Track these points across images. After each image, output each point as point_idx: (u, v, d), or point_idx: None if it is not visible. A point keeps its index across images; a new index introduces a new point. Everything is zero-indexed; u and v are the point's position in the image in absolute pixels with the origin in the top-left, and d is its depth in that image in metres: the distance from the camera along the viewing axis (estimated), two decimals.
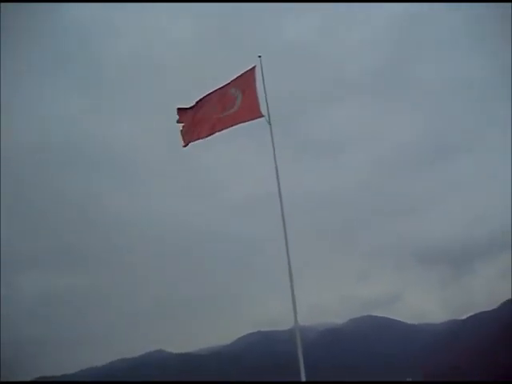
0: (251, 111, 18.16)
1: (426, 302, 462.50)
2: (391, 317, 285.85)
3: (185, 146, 18.81)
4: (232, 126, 18.36)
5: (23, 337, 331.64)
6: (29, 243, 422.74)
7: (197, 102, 19.22)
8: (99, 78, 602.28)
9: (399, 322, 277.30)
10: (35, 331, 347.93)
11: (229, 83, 19.23)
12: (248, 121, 18.17)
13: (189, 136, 18.77)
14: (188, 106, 19.20)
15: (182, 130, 18.96)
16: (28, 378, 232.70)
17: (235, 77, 19.31)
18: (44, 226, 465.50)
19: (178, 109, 19.17)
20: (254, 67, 19.19)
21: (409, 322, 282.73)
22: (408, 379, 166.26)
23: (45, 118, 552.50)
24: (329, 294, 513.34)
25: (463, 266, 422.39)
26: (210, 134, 18.59)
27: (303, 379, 14.59)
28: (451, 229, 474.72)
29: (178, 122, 19.04)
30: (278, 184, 17.06)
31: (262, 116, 18.00)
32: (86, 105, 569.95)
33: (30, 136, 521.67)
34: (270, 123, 17.91)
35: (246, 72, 19.26)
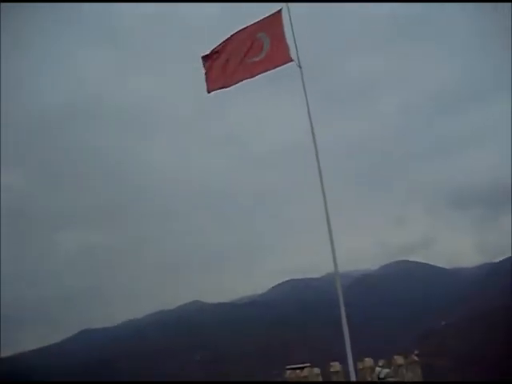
0: (280, 56, 17.40)
1: (460, 246, 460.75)
2: (425, 261, 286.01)
3: (209, 92, 18.19)
4: (262, 72, 17.62)
5: (66, 292, 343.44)
6: (64, 202, 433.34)
7: (220, 46, 18.46)
8: (123, 36, 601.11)
9: (433, 266, 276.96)
10: (75, 286, 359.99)
11: (254, 26, 18.33)
12: (278, 66, 17.42)
13: (215, 83, 18.08)
14: (211, 51, 18.44)
15: (206, 76, 18.31)
16: (74, 332, 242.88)
17: (260, 20, 18.43)
18: (76, 184, 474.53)
19: (203, 56, 18.47)
20: (280, 10, 18.25)
21: (443, 266, 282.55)
22: (443, 323, 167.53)
23: (70, 77, 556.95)
24: (362, 240, 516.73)
25: (497, 207, 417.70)
26: (239, 81, 17.93)
27: (344, 324, 14.44)
28: (485, 171, 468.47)
29: (205, 68, 18.36)
30: (312, 127, 16.45)
31: (292, 60, 17.31)
32: (110, 62, 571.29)
33: (58, 96, 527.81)
34: (300, 66, 17.24)
35: (271, 15, 18.31)
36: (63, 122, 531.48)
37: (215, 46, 18.39)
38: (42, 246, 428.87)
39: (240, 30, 18.27)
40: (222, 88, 18.07)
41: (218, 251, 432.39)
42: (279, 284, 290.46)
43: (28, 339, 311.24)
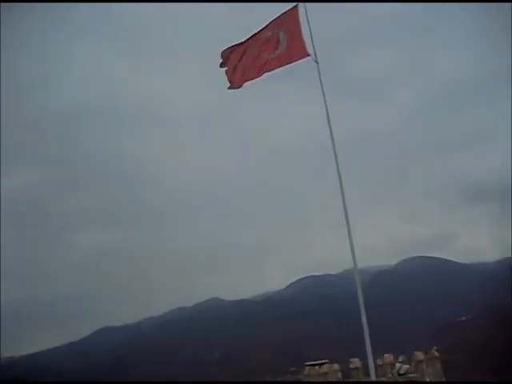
0: (297, 51, 17.52)
1: (479, 241, 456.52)
2: (444, 257, 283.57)
3: (230, 88, 18.35)
4: (280, 66, 17.79)
5: (83, 290, 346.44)
6: (79, 201, 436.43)
7: (240, 44, 18.66)
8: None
9: (452, 261, 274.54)
10: (92, 284, 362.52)
11: (271, 24, 18.54)
12: (295, 61, 17.54)
13: (236, 79, 18.31)
14: (231, 48, 18.65)
15: (227, 73, 18.52)
16: (91, 330, 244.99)
17: (277, 17, 18.59)
18: (91, 183, 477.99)
19: (222, 52, 18.67)
20: (295, 6, 18.38)
21: (461, 261, 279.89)
22: (462, 318, 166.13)
23: (83, 79, 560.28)
24: (379, 236, 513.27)
25: None
26: (258, 76, 18.08)
27: (364, 320, 14.40)
28: (502, 164, 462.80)
29: (222, 65, 18.60)
30: (329, 124, 16.46)
31: (309, 55, 17.35)
32: (123, 64, 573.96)
33: (70, 98, 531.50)
34: (317, 62, 17.25)
35: (287, 11, 18.48)
36: (75, 122, 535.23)
37: (234, 44, 18.60)
38: (57, 245, 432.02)
39: (257, 32, 18.46)
40: (244, 82, 18.29)
41: (235, 249, 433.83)
42: (297, 281, 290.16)
43: (46, 338, 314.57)
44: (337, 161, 15.88)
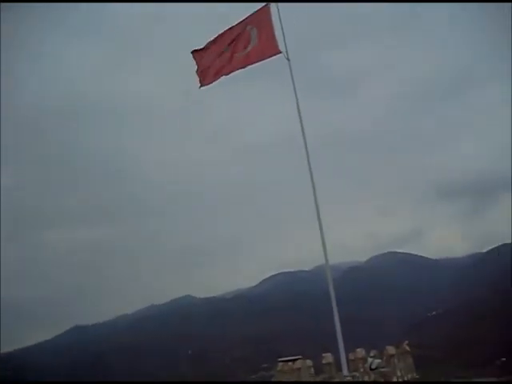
0: (269, 48, 17.54)
1: (449, 237, 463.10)
2: (414, 253, 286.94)
3: (201, 87, 18.30)
4: (251, 63, 17.78)
5: (57, 289, 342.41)
6: (53, 200, 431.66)
7: (210, 43, 18.64)
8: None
9: (422, 257, 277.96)
10: (65, 283, 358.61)
11: (243, 21, 18.54)
12: (266, 58, 17.55)
13: (206, 77, 18.24)
14: (202, 47, 18.64)
15: (197, 72, 18.46)
16: (64, 329, 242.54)
17: (249, 15, 18.62)
18: (66, 182, 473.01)
19: (193, 52, 18.62)
20: (267, 4, 18.43)
21: (432, 257, 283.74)
22: (433, 313, 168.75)
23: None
24: (351, 233, 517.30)
25: (484, 198, 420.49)
26: (229, 73, 18.05)
27: (336, 316, 14.52)
28: (472, 162, 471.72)
29: (196, 64, 18.57)
30: (301, 121, 16.55)
31: (280, 52, 17.39)
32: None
33: (54, 97, 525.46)
34: (288, 59, 17.31)
35: (259, 9, 18.52)
36: (54, 121, 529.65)
37: (206, 43, 18.58)
38: (30, 245, 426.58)
39: (228, 29, 18.47)
40: (213, 81, 18.24)
41: (208, 246, 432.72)
42: (269, 277, 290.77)
43: (20, 337, 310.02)
44: (308, 158, 15.99)
